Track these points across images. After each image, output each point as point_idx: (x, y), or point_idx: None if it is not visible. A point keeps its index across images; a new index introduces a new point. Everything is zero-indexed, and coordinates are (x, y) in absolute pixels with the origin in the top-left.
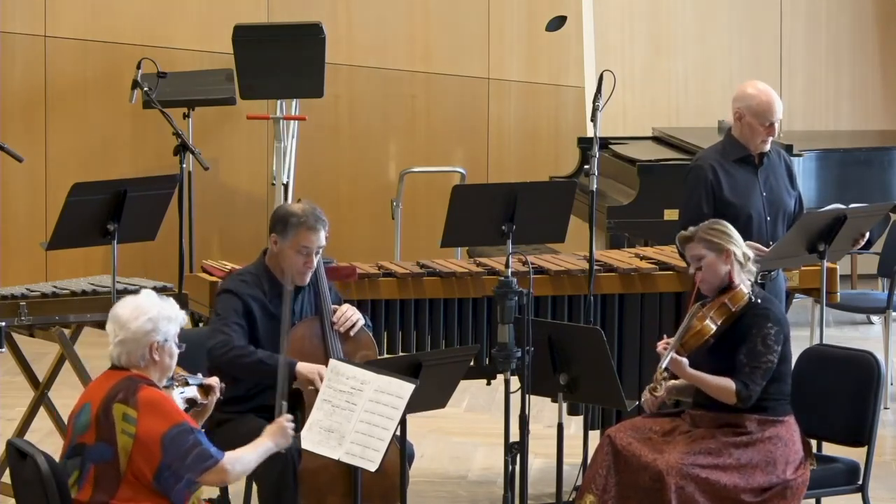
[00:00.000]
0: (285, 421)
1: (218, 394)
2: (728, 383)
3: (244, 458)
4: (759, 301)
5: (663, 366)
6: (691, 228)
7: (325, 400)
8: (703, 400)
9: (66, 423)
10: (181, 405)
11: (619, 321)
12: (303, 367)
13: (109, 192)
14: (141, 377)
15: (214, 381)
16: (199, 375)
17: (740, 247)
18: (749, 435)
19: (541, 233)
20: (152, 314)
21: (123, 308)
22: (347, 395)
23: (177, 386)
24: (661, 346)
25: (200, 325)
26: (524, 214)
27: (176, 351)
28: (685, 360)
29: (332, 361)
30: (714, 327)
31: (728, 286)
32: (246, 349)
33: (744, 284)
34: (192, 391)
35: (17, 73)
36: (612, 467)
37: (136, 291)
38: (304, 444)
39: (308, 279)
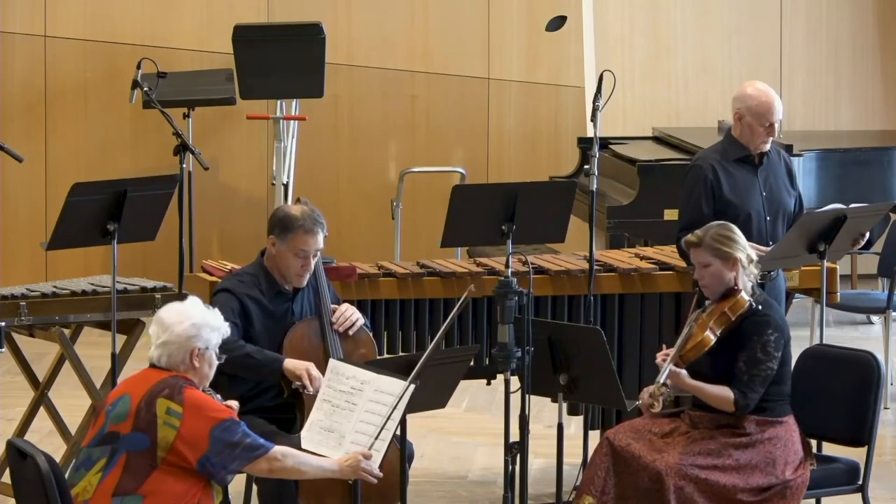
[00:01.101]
0: (363, 458)
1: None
2: (726, 393)
3: (302, 458)
4: (760, 307)
5: (662, 380)
6: (698, 233)
7: (324, 400)
8: (701, 401)
9: (66, 423)
10: None
11: (619, 321)
12: (290, 363)
13: (109, 192)
14: (184, 377)
15: (234, 405)
16: (219, 396)
17: (744, 249)
18: (749, 436)
19: (541, 233)
20: (196, 320)
21: (168, 312)
22: (347, 395)
23: None
24: (660, 357)
25: None
26: (524, 214)
27: (216, 361)
28: (684, 372)
29: (332, 361)
30: (714, 339)
31: (730, 291)
32: (235, 342)
33: (745, 290)
34: None
35: (17, 73)
36: (611, 469)
37: (182, 296)
38: (304, 444)
39: (305, 281)
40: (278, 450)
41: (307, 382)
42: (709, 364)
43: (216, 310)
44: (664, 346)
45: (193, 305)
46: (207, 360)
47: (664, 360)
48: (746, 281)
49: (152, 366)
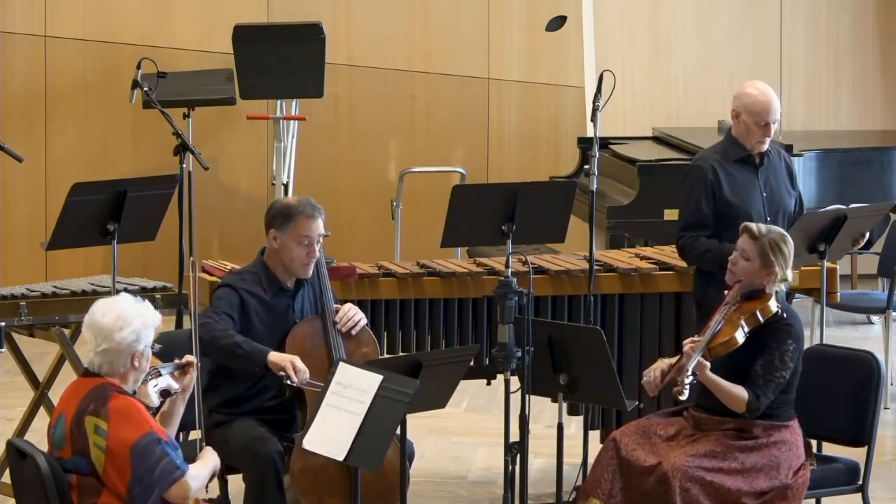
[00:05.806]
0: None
1: (195, 370)
2: (741, 392)
3: (200, 475)
4: (784, 315)
5: (690, 369)
6: (762, 229)
7: (328, 404)
8: (706, 402)
9: None
10: (156, 399)
11: (619, 321)
12: (274, 355)
13: (109, 192)
14: (112, 385)
15: (189, 358)
16: (175, 360)
17: (784, 269)
18: (755, 439)
19: (541, 233)
20: (136, 325)
21: (105, 317)
22: (350, 400)
23: (150, 379)
24: (688, 345)
25: None
26: (524, 214)
27: (150, 353)
28: (708, 364)
29: (341, 365)
30: (743, 339)
31: (760, 293)
32: (225, 332)
33: (775, 298)
34: (165, 381)
35: (17, 73)
36: (618, 471)
37: (108, 294)
38: (306, 445)
39: (311, 271)
40: (190, 474)
41: (291, 374)
42: (726, 363)
43: (146, 302)
44: (696, 335)
45: (127, 306)
46: (146, 356)
47: (692, 349)
48: (775, 290)
49: (86, 372)
